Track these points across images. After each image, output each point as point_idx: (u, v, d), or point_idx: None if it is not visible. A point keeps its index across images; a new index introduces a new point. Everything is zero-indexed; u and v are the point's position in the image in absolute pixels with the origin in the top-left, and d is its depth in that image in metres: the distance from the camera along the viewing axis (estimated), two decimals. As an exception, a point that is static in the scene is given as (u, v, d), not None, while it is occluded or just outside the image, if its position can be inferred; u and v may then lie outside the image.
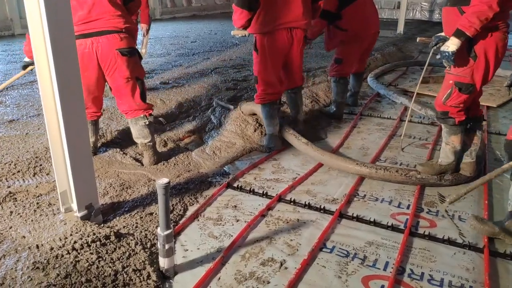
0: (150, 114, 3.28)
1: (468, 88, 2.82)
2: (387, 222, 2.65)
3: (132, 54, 3.04)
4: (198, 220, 2.71)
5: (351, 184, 3.17)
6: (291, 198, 2.93)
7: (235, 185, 3.15)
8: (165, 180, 1.96)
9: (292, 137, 3.74)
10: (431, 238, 2.51)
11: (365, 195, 3.05)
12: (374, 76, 6.25)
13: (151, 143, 3.33)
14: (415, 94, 3.78)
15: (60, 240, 2.21)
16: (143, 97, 3.19)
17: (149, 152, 3.36)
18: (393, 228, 2.61)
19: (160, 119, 4.35)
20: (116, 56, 2.98)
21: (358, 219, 2.71)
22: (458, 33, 2.65)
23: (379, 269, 2.25)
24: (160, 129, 4.16)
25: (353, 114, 4.91)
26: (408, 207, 2.88)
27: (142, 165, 3.39)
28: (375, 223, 2.65)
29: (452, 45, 2.67)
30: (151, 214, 2.69)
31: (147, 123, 3.25)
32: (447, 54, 2.69)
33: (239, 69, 6.77)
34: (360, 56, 4.65)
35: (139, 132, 3.28)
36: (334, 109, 4.71)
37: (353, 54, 4.52)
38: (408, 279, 2.19)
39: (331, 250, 2.41)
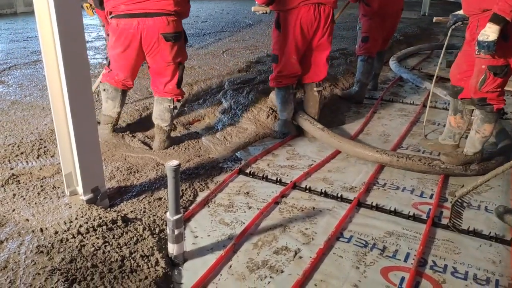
0: (178, 100, 3.32)
1: (503, 70, 2.75)
2: (409, 212, 2.63)
3: (177, 39, 3.06)
4: (209, 206, 2.73)
5: (370, 172, 3.15)
6: (306, 186, 2.93)
7: (247, 171, 3.16)
8: (175, 163, 1.96)
9: (307, 122, 3.72)
10: (455, 229, 2.48)
11: (385, 184, 3.03)
12: (396, 59, 6.17)
13: (167, 128, 3.36)
14: (435, 77, 3.72)
15: (65, 223, 2.24)
16: (179, 83, 3.24)
17: (162, 136, 3.38)
18: (415, 218, 2.59)
19: (185, 108, 4.35)
20: (159, 40, 2.99)
21: (378, 208, 2.69)
22: (497, 19, 2.49)
23: (400, 260, 2.24)
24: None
25: (374, 98, 4.88)
26: (431, 197, 2.86)
27: (151, 149, 3.41)
28: (396, 213, 2.64)
29: (492, 33, 2.52)
30: (160, 199, 2.71)
31: (171, 107, 3.28)
32: (487, 44, 2.54)
33: (252, 51, 6.73)
34: (384, 35, 4.64)
35: (160, 113, 3.31)
36: (357, 89, 4.70)
37: (377, 31, 4.53)
38: (430, 271, 2.18)
39: (348, 240, 2.41)
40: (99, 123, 3.48)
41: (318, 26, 3.47)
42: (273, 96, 4.09)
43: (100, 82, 3.34)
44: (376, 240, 2.40)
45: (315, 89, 3.74)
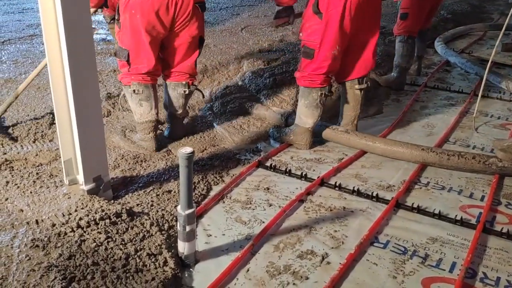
0: (193, 84, 3.31)
1: None
2: (455, 216, 2.60)
3: (204, 9, 3.11)
4: (224, 202, 2.73)
5: (411, 169, 3.12)
6: (336, 182, 2.92)
7: (268, 164, 3.16)
8: (188, 150, 1.96)
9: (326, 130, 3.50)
10: (511, 237, 2.44)
11: (428, 183, 3.00)
12: (443, 41, 6.07)
13: (181, 116, 3.37)
14: (489, 62, 3.64)
15: (63, 216, 2.27)
16: (196, 61, 3.26)
17: (176, 124, 3.40)
18: (463, 222, 2.56)
19: (202, 90, 4.33)
20: (194, 11, 3.01)
21: (420, 210, 2.67)
22: None
23: (444, 270, 2.22)
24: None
25: (416, 85, 4.83)
26: (482, 199, 2.81)
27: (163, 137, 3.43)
28: (440, 216, 2.61)
29: None
30: (169, 192, 2.73)
31: (187, 92, 3.28)
32: None
33: (275, 28, 6.70)
34: (427, 11, 4.56)
35: (173, 100, 3.30)
36: (396, 75, 4.64)
37: (419, 7, 4.43)
38: (480, 284, 2.14)
39: (384, 245, 2.39)
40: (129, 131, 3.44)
41: (369, 4, 3.14)
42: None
43: (124, 85, 3.20)
44: (417, 247, 2.37)
45: (357, 86, 3.41)
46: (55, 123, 2.61)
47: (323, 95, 3.27)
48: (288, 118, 3.68)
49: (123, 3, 2.98)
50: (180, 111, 3.34)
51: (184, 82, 3.25)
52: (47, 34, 2.27)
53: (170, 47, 3.17)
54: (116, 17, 3.09)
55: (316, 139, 3.47)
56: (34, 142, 3.23)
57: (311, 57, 3.19)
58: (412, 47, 4.59)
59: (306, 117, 3.34)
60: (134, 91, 3.14)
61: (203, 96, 3.97)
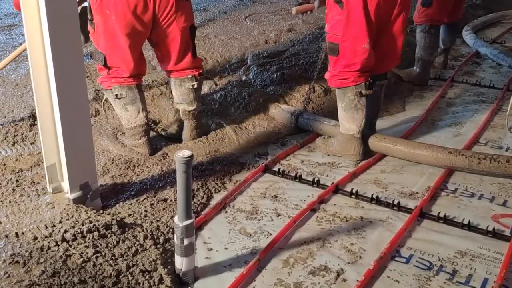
0: (200, 74, 3.33)
1: None
2: (487, 226, 2.60)
3: None
4: (226, 211, 2.74)
5: (437, 174, 3.12)
6: (352, 189, 2.92)
7: (276, 168, 3.16)
8: (186, 153, 1.97)
9: (328, 126, 3.51)
10: (550, 250, 2.43)
11: (456, 189, 3.00)
12: (472, 30, 6.06)
13: (196, 111, 3.38)
14: None
15: (47, 228, 2.27)
16: (195, 51, 3.27)
17: (192, 122, 3.41)
18: (495, 234, 2.55)
19: (213, 79, 4.36)
20: (177, 2, 3.01)
21: (446, 220, 2.67)
22: None
23: (475, 288, 2.22)
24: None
25: (442, 79, 4.81)
26: (517, 207, 2.81)
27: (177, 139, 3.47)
28: (470, 227, 2.61)
29: None
30: (165, 200, 2.73)
31: (196, 86, 3.29)
32: None
33: (283, 16, 6.71)
34: None
35: (183, 96, 3.32)
36: (418, 70, 4.63)
37: None
38: (515, 304, 2.14)
39: (407, 260, 2.38)
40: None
41: None
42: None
43: (105, 89, 3.21)
44: (444, 261, 2.37)
45: (377, 83, 3.36)
46: (36, 124, 2.62)
47: (360, 94, 3.17)
48: (299, 118, 3.67)
49: (95, 2, 2.94)
50: (193, 107, 3.35)
51: (190, 76, 3.27)
52: (28, 24, 2.28)
53: (161, 44, 3.17)
54: (89, 17, 3.03)
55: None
56: (13, 145, 3.24)
57: (336, 53, 3.14)
58: (435, 38, 4.56)
59: (347, 123, 3.27)
60: (116, 95, 3.14)
61: (216, 85, 3.99)
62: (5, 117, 3.63)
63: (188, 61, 3.24)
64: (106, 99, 3.51)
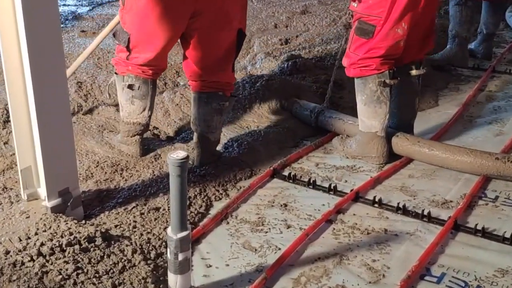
0: (232, 95, 3.25)
1: None
2: (533, 241, 2.60)
3: None
4: (228, 222, 2.75)
5: (474, 179, 3.12)
6: (375, 197, 2.92)
7: (286, 173, 3.17)
8: (181, 154, 1.98)
9: (348, 125, 3.52)
10: None
11: (497, 197, 3.00)
12: (516, 11, 6.04)
13: (216, 139, 3.27)
14: None
15: (20, 240, 2.29)
16: (233, 66, 3.21)
17: (205, 150, 3.23)
18: (542, 249, 2.55)
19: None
20: None
21: (485, 233, 2.66)
22: None
23: (517, 311, 2.22)
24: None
25: (481, 69, 4.80)
26: None
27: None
28: (513, 241, 2.61)
29: None
30: (157, 209, 2.75)
31: (225, 105, 3.19)
32: None
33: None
34: None
35: (206, 117, 3.17)
36: (455, 49, 4.64)
37: None
38: None
39: (439, 280, 2.38)
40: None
41: None
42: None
43: (117, 74, 3.18)
44: (482, 281, 2.36)
45: (414, 72, 3.35)
46: (10, 121, 2.64)
47: (383, 84, 3.17)
48: (319, 116, 3.66)
49: None
50: (215, 132, 3.23)
51: (220, 93, 3.14)
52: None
53: (197, 43, 3.03)
54: None
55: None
56: (-17, 145, 3.28)
57: (370, 35, 3.12)
58: (472, 12, 4.53)
59: (368, 119, 3.26)
60: (129, 85, 3.12)
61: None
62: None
63: (225, 73, 3.14)
64: (113, 83, 3.42)
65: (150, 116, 3.25)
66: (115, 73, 3.20)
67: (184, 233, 2.10)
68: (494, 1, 4.72)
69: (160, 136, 3.64)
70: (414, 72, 3.33)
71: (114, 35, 3.13)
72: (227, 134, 3.54)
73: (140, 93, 3.15)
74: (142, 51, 3.03)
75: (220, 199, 2.93)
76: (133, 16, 2.96)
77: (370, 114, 3.24)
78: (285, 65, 4.38)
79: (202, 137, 3.21)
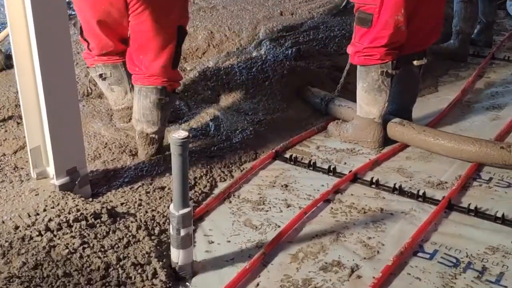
0: (174, 90, 3.03)
1: None
2: (524, 220, 2.59)
3: None
4: (231, 201, 2.76)
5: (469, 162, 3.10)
6: (372, 178, 2.93)
7: (287, 155, 3.18)
8: (182, 134, 1.98)
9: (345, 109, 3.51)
10: None
11: (491, 179, 3.00)
12: (517, 0, 5.99)
13: (155, 136, 3.03)
14: None
15: (29, 216, 2.31)
16: (176, 61, 2.95)
17: (147, 148, 3.05)
18: (532, 228, 2.55)
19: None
20: None
21: (478, 213, 2.66)
22: None
23: (506, 287, 2.21)
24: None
25: (480, 56, 4.79)
26: (557, 199, 2.80)
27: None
28: (504, 220, 2.60)
29: None
30: (163, 188, 2.77)
31: (163, 101, 2.96)
32: None
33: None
34: None
35: (143, 111, 2.96)
36: (458, 44, 4.62)
37: None
38: (551, 305, 2.14)
39: (431, 256, 2.39)
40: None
41: None
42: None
43: (88, 67, 3.15)
44: (473, 258, 2.37)
45: (415, 62, 3.33)
46: (21, 103, 2.66)
47: (385, 74, 3.16)
48: (329, 104, 3.64)
49: None
50: (152, 129, 3.00)
51: (159, 87, 2.92)
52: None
53: (132, 35, 2.90)
54: None
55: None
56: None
57: (369, 24, 3.10)
58: (476, 8, 4.56)
59: (367, 105, 3.25)
60: (100, 75, 3.09)
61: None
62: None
63: (160, 67, 2.88)
64: (91, 77, 3.42)
65: (131, 99, 3.16)
66: (88, 67, 3.19)
67: (185, 210, 2.11)
68: None
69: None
70: (416, 62, 3.32)
71: (74, 24, 3.09)
72: (232, 118, 3.54)
73: (114, 78, 3.13)
74: (91, 39, 3.00)
75: (225, 180, 2.94)
76: (75, 6, 2.93)
77: (369, 101, 3.24)
78: (289, 51, 4.37)
79: (142, 133, 3.03)
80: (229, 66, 4.16)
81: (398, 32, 3.09)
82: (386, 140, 3.31)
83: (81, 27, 3.00)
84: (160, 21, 2.80)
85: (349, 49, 3.28)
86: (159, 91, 2.91)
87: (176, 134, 1.98)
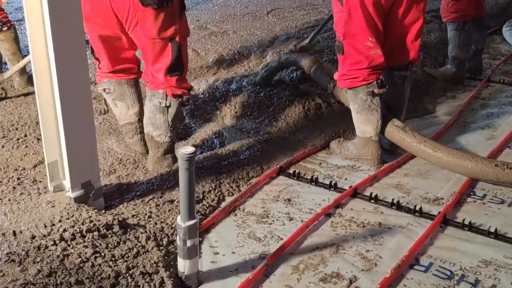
0: (176, 96, 3.04)
1: None
2: (516, 235, 2.60)
3: (161, 4, 2.80)
4: (236, 214, 2.79)
5: (464, 179, 3.11)
6: (372, 193, 2.94)
7: (291, 170, 3.21)
8: (189, 149, 2.02)
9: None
10: None
11: (485, 195, 3.00)
12: (512, 26, 6.01)
13: (162, 139, 3.09)
14: None
15: (45, 226, 2.35)
16: (173, 69, 2.97)
17: (155, 151, 3.13)
18: (524, 243, 2.55)
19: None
20: (135, 6, 2.80)
21: (472, 227, 2.67)
22: None
23: (498, 299, 2.22)
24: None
25: (477, 79, 4.80)
26: (550, 215, 2.79)
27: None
28: (497, 235, 2.60)
29: None
30: (172, 201, 2.80)
31: (163, 105, 3.01)
32: None
33: (308, 11, 6.75)
34: None
35: (150, 114, 3.07)
36: (454, 69, 4.64)
37: None
38: (541, 317, 2.14)
39: (426, 269, 2.40)
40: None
41: None
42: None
43: (96, 84, 3.24)
44: (466, 271, 2.37)
45: (396, 73, 3.37)
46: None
47: (372, 94, 3.18)
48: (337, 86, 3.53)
49: None
50: (158, 133, 3.08)
51: (160, 91, 3.00)
52: (30, 17, 2.38)
53: (139, 47, 3.05)
54: None
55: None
56: (18, 143, 3.35)
57: (341, 51, 3.19)
58: (469, 35, 4.55)
59: (363, 125, 3.28)
60: (104, 90, 3.17)
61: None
62: (11, 113, 3.75)
63: (160, 76, 2.99)
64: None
65: (138, 114, 3.24)
66: (95, 83, 3.24)
67: (192, 222, 2.14)
68: (477, 21, 4.71)
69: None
70: (396, 72, 3.35)
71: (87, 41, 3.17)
72: (238, 136, 3.58)
73: (117, 94, 3.19)
74: (99, 57, 3.10)
75: (233, 194, 2.97)
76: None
77: (363, 121, 3.27)
78: (295, 74, 4.40)
79: (149, 136, 3.12)
80: (237, 88, 4.21)
81: (375, 55, 3.13)
82: (390, 154, 3.38)
83: (91, 47, 3.09)
84: (150, 35, 2.89)
85: (336, 75, 3.34)
86: (160, 95, 3.01)
87: (183, 150, 2.02)
